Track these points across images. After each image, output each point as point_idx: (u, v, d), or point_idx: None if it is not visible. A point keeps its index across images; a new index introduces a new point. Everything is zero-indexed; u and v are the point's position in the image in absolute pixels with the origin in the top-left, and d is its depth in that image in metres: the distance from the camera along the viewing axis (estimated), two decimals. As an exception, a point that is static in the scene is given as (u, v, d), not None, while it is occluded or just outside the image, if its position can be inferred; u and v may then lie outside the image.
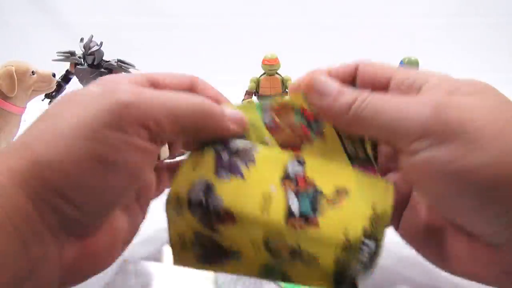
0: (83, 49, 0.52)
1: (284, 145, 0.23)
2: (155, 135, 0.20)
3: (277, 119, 0.23)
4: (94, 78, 0.53)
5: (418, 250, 0.23)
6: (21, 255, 0.18)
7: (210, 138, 0.23)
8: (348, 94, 0.22)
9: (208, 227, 0.21)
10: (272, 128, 0.23)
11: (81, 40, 0.53)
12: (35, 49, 0.84)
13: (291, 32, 1.02)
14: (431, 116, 0.19)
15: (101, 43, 0.53)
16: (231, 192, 0.21)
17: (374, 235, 0.20)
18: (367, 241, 0.20)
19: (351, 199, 0.21)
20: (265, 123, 0.24)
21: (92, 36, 0.53)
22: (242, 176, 0.21)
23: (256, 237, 0.21)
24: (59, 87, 0.56)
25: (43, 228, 0.19)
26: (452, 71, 0.21)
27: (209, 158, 0.22)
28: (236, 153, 0.22)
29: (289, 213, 0.20)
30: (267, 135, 0.23)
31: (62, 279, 0.20)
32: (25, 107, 0.51)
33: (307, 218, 0.20)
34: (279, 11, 1.06)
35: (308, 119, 0.23)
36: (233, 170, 0.22)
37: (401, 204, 0.24)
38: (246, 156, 0.22)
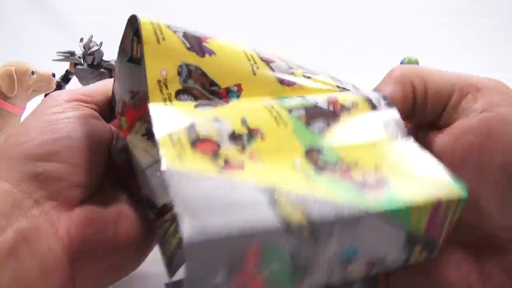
0: (83, 49, 0.52)
1: None
2: (85, 103, 0.25)
3: None
4: (94, 78, 0.53)
5: None
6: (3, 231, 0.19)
7: None
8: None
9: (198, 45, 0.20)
10: None
11: (81, 40, 0.53)
12: (35, 49, 0.84)
13: (291, 32, 1.02)
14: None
15: (101, 43, 0.53)
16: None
17: None
18: None
19: None
20: None
21: (92, 36, 0.53)
22: None
23: None
24: (59, 87, 0.56)
25: (27, 200, 0.20)
26: (452, 71, 0.21)
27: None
28: None
29: None
30: None
31: (71, 256, 0.20)
32: (25, 107, 0.51)
33: None
34: (279, 11, 1.06)
35: None
36: None
37: None
38: None
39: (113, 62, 0.53)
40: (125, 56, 0.24)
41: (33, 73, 0.51)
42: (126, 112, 0.25)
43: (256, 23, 1.02)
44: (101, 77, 0.53)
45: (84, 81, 0.54)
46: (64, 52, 0.54)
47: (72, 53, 0.54)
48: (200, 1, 1.06)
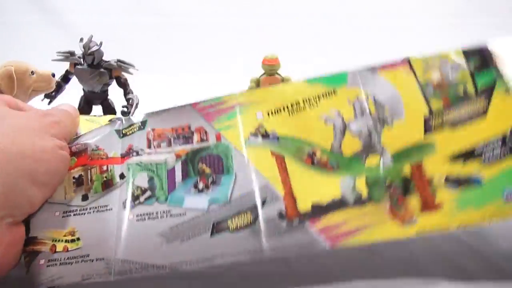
0: (83, 49, 0.52)
1: None
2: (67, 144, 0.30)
3: None
4: (94, 78, 0.53)
5: None
6: None
7: None
8: None
9: None
10: None
11: (81, 40, 0.53)
12: (35, 49, 0.84)
13: (291, 32, 1.02)
14: None
15: (101, 43, 0.53)
16: None
17: None
18: None
19: None
20: None
21: (92, 36, 0.53)
22: None
23: None
24: (59, 87, 0.56)
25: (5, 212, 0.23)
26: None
27: None
28: None
29: None
30: None
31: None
32: (25, 107, 0.51)
33: None
34: (279, 11, 1.05)
35: None
36: None
37: None
38: None
39: (113, 62, 0.53)
40: (120, 126, 0.33)
41: (33, 73, 0.51)
42: (80, 156, 0.30)
43: (257, 24, 1.02)
44: (101, 77, 0.53)
45: (84, 81, 0.54)
46: (64, 52, 0.54)
47: (72, 53, 0.54)
48: (200, 1, 1.06)
